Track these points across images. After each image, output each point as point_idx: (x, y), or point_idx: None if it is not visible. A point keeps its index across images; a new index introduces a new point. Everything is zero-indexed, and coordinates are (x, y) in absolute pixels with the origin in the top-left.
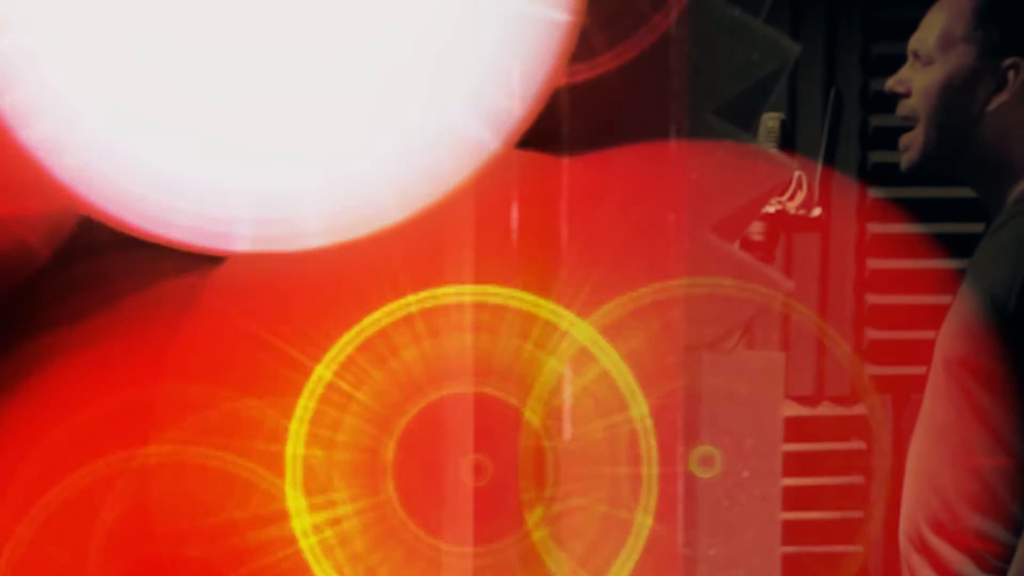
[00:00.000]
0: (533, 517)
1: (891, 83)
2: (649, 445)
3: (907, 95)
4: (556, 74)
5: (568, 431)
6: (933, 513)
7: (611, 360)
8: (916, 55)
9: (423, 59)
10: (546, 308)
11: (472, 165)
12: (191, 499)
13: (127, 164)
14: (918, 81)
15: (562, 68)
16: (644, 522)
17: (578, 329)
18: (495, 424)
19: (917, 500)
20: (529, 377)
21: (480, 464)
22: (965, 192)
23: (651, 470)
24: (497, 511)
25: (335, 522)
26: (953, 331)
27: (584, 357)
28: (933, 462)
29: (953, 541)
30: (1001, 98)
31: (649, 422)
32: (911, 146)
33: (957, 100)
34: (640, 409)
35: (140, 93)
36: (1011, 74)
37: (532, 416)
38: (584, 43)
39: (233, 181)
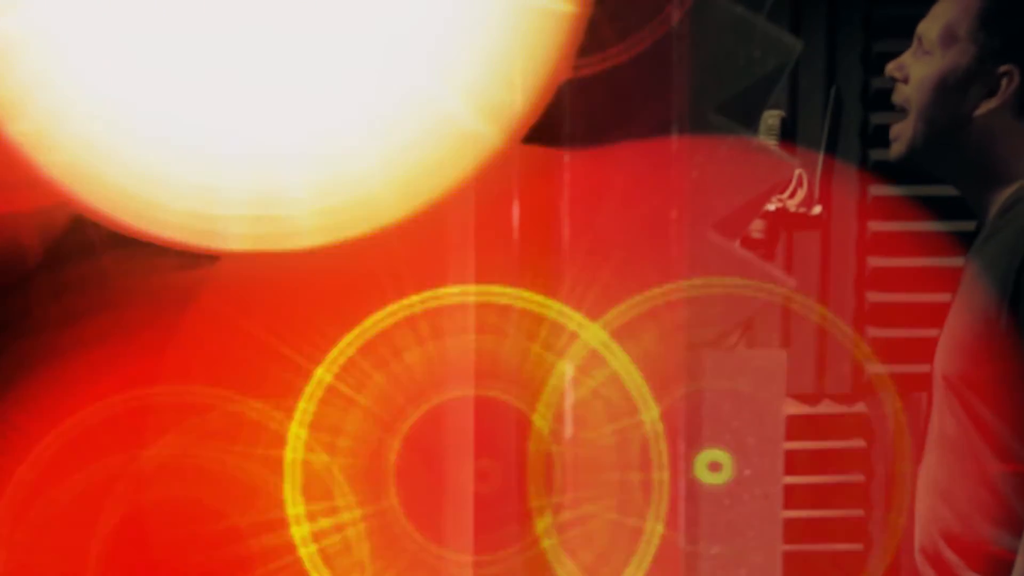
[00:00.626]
0: (540, 525)
1: (890, 67)
2: (660, 450)
3: (904, 82)
4: (561, 67)
5: (568, 431)
6: (946, 525)
7: (620, 362)
8: (919, 41)
9: (423, 51)
10: (549, 307)
11: (473, 160)
12: (188, 505)
13: (116, 160)
14: (915, 71)
15: (567, 61)
16: (655, 530)
17: (584, 330)
18: (499, 428)
19: (930, 513)
20: (534, 379)
21: (485, 470)
22: None
23: (662, 476)
24: (502, 518)
25: (335, 529)
26: (949, 347)
27: (592, 359)
28: (944, 474)
29: (967, 553)
30: (990, 104)
31: (660, 426)
32: (900, 137)
33: (948, 98)
34: (651, 413)
35: (130, 87)
36: (1004, 81)
37: (539, 420)
38: (590, 36)
39: (227, 177)
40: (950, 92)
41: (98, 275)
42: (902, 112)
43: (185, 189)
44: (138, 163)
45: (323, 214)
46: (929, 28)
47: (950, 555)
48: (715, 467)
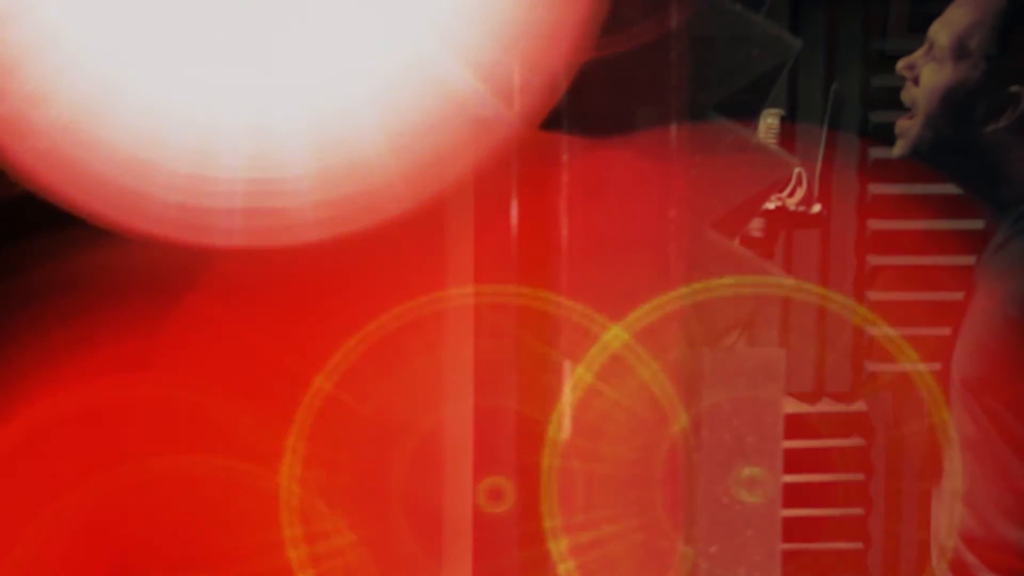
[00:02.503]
0: (557, 547)
1: (901, 65)
2: (691, 464)
3: (914, 82)
4: (578, 49)
5: (566, 433)
6: (966, 526)
7: (646, 368)
8: (931, 45)
9: (433, 30)
10: (550, 306)
11: (487, 145)
12: (176, 527)
13: (102, 149)
14: (926, 76)
15: (585, 42)
16: (686, 554)
17: (601, 333)
18: (501, 438)
19: (950, 514)
20: (536, 383)
21: (498, 488)
22: None
23: (694, 493)
24: (516, 540)
25: (336, 553)
26: (967, 351)
27: (598, 360)
28: (965, 476)
29: (986, 554)
30: (998, 124)
31: (692, 439)
32: (905, 136)
33: (955, 111)
34: (681, 423)
35: (117, 68)
36: (1012, 103)
37: (556, 432)
38: (607, 19)
39: (221, 169)
40: (957, 106)
41: (82, 274)
42: (909, 109)
43: (171, 179)
44: (125, 152)
45: (323, 207)
46: (941, 34)
47: (969, 557)
48: (752, 485)
